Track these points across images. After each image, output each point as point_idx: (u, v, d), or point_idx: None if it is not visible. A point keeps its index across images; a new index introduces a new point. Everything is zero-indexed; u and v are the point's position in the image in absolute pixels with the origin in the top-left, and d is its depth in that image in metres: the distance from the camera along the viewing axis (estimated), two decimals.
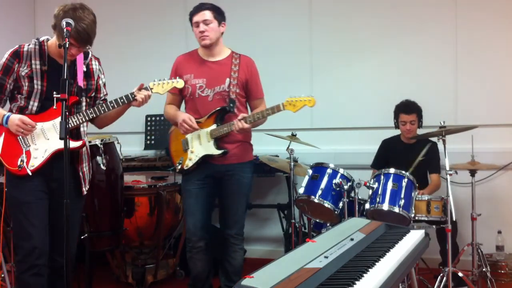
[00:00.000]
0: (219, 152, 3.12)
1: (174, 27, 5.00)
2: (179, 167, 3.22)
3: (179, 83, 2.91)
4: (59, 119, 2.60)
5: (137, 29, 5.22)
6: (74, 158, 2.77)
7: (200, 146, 3.16)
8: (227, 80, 3.17)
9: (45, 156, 2.65)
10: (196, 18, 3.14)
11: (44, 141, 2.67)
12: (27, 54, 2.64)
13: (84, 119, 2.72)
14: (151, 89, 2.83)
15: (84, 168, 2.84)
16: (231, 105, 3.14)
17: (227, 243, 3.28)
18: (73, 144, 2.69)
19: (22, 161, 2.62)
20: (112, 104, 2.73)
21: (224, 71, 3.19)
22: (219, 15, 3.18)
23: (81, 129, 2.80)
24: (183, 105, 3.37)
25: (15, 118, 2.60)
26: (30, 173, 2.61)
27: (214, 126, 3.13)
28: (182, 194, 3.39)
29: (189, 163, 3.18)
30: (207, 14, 3.13)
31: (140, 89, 2.77)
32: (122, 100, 2.74)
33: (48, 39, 2.71)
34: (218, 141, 3.13)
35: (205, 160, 3.15)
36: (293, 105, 3.01)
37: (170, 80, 2.89)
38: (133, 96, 2.74)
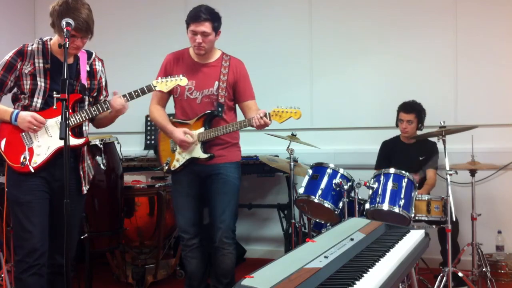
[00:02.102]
0: (205, 156, 3.11)
1: (175, 27, 4.99)
2: (166, 167, 3.23)
3: (183, 81, 2.90)
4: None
5: (139, 30, 5.22)
6: (77, 157, 2.78)
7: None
8: (216, 83, 3.14)
9: (47, 154, 2.65)
10: (195, 28, 3.03)
11: (47, 138, 2.67)
12: (31, 53, 2.66)
13: (86, 117, 2.72)
14: (155, 86, 2.84)
15: (86, 168, 2.84)
16: (219, 109, 3.12)
17: (215, 247, 3.18)
18: (76, 141, 2.71)
19: (24, 158, 2.62)
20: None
21: (214, 74, 3.16)
22: (217, 23, 3.08)
23: (83, 128, 2.81)
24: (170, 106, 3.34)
25: (27, 114, 2.61)
26: (32, 171, 2.61)
27: (202, 130, 3.12)
28: (172, 194, 3.35)
29: (176, 164, 3.18)
30: (207, 26, 3.02)
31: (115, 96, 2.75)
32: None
33: (51, 39, 2.73)
34: (205, 144, 3.13)
35: (192, 161, 3.15)
36: (279, 116, 2.98)
37: (174, 78, 2.89)
38: (108, 105, 2.74)
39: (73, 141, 2.67)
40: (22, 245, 2.62)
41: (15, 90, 2.72)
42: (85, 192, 2.82)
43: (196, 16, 3.03)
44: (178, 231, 3.37)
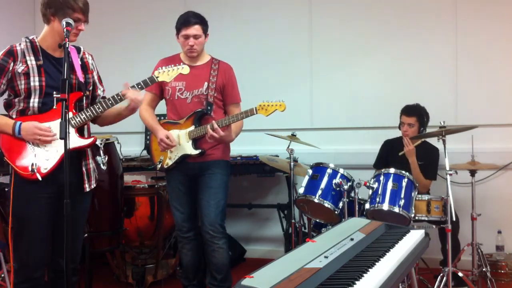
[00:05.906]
0: (196, 152, 3.24)
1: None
2: (159, 165, 3.36)
3: (184, 69, 2.88)
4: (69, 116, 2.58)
5: (139, 30, 5.23)
6: (81, 155, 2.69)
7: (179, 146, 3.28)
8: (205, 84, 3.27)
9: (57, 157, 2.55)
10: (186, 32, 3.20)
11: (54, 141, 2.58)
12: (21, 51, 2.59)
13: (92, 115, 2.65)
14: (157, 77, 2.80)
15: (90, 165, 2.75)
16: (209, 107, 3.25)
17: (205, 242, 3.28)
18: (84, 141, 2.64)
19: (33, 164, 2.51)
20: (119, 97, 2.68)
21: (203, 75, 3.29)
22: (206, 27, 3.27)
23: (84, 127, 2.74)
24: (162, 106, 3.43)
25: (31, 126, 2.52)
26: (40, 178, 2.50)
27: (192, 128, 3.25)
28: (167, 191, 3.51)
29: (169, 162, 3.31)
30: (198, 29, 3.21)
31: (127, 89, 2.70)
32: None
33: (36, 37, 2.67)
34: (196, 141, 3.25)
35: (184, 159, 3.27)
36: (265, 110, 3.07)
37: (175, 67, 2.85)
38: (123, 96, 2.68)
39: (81, 142, 2.62)
40: (20, 257, 2.56)
41: (6, 96, 2.63)
42: (87, 190, 2.72)
43: (186, 21, 3.21)
44: (175, 226, 3.49)
